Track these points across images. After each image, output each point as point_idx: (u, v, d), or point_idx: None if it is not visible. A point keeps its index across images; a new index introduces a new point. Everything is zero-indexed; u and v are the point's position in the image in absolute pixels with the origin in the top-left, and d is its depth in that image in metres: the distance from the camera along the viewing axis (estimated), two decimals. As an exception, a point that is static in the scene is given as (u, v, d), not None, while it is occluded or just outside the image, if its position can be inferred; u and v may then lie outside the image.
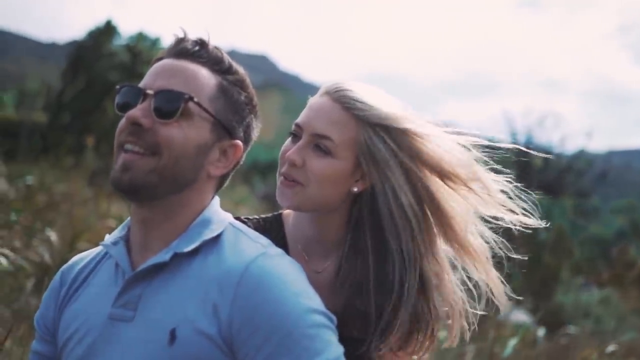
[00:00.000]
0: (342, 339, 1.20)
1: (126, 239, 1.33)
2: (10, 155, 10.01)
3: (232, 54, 1.44)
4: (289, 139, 1.53)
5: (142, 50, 16.14)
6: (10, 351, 2.76)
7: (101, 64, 16.05)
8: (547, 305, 8.19)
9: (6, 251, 3.28)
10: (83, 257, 1.44)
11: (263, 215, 1.65)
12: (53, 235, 4.12)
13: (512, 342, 3.17)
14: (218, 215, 1.33)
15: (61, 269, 1.45)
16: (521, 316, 7.22)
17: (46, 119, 16.40)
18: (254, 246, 1.25)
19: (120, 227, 1.38)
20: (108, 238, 1.37)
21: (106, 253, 1.38)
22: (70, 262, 1.46)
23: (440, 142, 1.50)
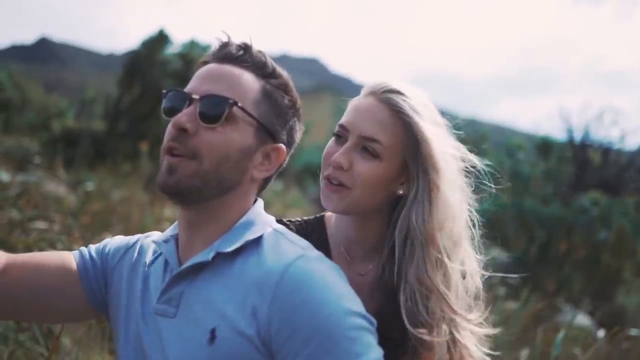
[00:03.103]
0: (383, 341, 1.19)
1: (177, 237, 1.36)
2: (70, 163, 10.36)
3: (284, 58, 1.45)
4: (332, 140, 1.52)
5: (194, 58, 16.39)
6: (69, 351, 2.85)
7: (155, 72, 16.40)
8: (608, 307, 7.94)
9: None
10: (158, 238, 1.40)
11: (305, 218, 1.65)
12: (111, 239, 4.23)
13: (560, 335, 3.05)
14: (260, 217, 1.34)
15: (140, 237, 1.47)
16: (581, 319, 7.00)
17: (104, 127, 16.87)
18: (293, 249, 1.25)
19: (172, 226, 1.41)
20: (160, 236, 1.40)
21: None
22: (150, 234, 1.48)
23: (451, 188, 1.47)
